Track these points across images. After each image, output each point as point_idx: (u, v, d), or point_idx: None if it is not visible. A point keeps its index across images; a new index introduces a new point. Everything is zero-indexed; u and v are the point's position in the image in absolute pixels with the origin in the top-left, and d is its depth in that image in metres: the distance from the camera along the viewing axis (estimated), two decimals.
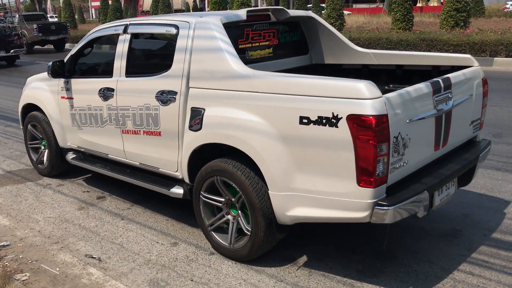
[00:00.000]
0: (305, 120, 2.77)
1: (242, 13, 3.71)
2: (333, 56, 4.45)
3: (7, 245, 3.73)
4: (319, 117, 2.71)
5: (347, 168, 2.67)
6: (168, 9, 25.15)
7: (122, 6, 35.39)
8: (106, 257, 3.53)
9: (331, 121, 2.66)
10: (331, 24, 17.94)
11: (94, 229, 3.98)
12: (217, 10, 21.33)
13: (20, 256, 3.57)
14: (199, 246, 3.63)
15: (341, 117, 2.63)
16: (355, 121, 2.58)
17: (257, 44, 4.02)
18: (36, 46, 23.03)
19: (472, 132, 3.62)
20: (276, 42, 4.19)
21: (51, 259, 3.52)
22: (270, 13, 4.05)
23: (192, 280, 3.19)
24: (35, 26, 21.34)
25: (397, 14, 16.27)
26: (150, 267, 3.37)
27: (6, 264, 3.44)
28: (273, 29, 4.15)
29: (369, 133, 2.55)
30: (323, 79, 2.90)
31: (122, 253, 3.58)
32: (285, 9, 4.10)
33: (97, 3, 31.67)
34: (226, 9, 24.35)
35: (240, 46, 3.83)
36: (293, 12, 4.17)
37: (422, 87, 2.95)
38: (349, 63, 4.40)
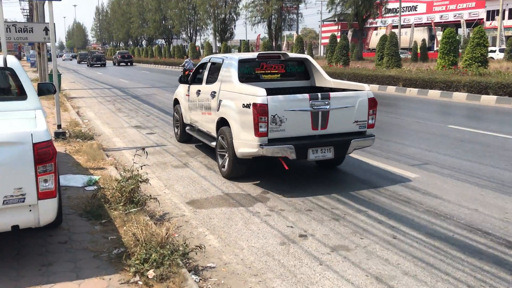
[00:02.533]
0: (243, 106, 5.90)
1: (256, 55, 7.23)
2: (319, 82, 7.55)
3: (213, 267, 3.96)
4: (247, 104, 5.81)
5: (252, 127, 5.70)
6: (394, 48, 24.67)
7: (350, 43, 36.43)
8: None
9: (249, 106, 5.75)
10: None
11: (291, 269, 3.94)
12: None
13: (222, 282, 3.73)
14: None
15: (251, 104, 5.70)
16: (254, 106, 5.65)
17: (269, 71, 7.39)
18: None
19: (358, 128, 6.13)
20: (283, 71, 7.52)
21: None
22: (280, 55, 7.48)
23: None
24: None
25: None
26: None
27: (209, 286, 3.63)
28: (282, 63, 7.49)
29: (257, 111, 5.62)
30: (248, 86, 6.22)
31: None
32: (287, 53, 7.52)
33: (327, 40, 33.25)
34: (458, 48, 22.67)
35: (256, 72, 7.34)
36: (292, 55, 7.65)
37: (299, 95, 5.95)
38: (323, 86, 7.38)
